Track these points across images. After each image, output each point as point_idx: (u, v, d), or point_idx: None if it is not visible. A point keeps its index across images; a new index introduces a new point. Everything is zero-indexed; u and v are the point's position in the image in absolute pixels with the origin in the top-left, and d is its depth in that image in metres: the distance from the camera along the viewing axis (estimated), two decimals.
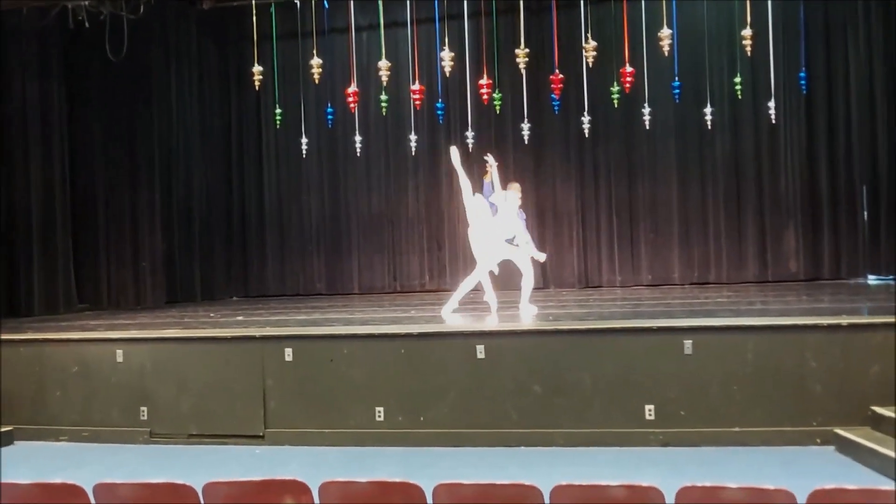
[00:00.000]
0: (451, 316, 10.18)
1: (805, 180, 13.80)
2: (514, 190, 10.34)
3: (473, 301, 10.96)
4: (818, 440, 7.77)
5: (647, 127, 12.69)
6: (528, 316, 9.96)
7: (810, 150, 13.79)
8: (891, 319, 8.14)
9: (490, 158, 10.27)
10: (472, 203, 10.28)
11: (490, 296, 10.43)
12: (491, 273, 10.51)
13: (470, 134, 13.13)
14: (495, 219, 10.17)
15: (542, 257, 10.53)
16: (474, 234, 10.30)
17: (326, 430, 8.61)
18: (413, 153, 13.85)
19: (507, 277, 11.01)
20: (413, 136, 13.47)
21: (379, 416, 8.54)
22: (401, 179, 15.20)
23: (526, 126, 12.89)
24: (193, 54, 14.94)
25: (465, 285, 10.50)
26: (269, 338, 8.96)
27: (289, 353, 8.77)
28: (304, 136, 13.70)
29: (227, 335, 9.19)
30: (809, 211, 13.78)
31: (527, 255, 10.30)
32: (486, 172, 10.32)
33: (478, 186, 10.50)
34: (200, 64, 15.08)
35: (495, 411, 8.34)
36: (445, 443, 8.30)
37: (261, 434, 8.77)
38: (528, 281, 10.34)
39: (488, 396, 8.38)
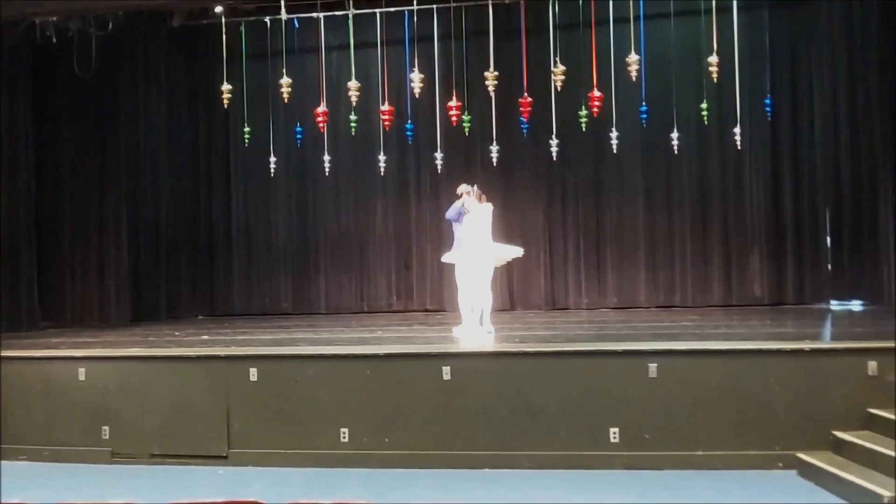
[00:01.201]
0: (488, 336, 10.02)
1: (770, 205, 13.94)
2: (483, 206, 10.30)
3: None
4: (780, 464, 7.83)
5: (615, 151, 12.78)
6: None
7: (775, 175, 13.95)
8: (853, 345, 8.25)
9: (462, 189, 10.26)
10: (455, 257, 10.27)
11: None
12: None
13: (438, 155, 13.17)
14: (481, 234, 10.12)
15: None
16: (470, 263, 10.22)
17: (291, 451, 8.55)
18: (382, 173, 13.86)
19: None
20: (382, 157, 13.51)
21: (344, 437, 8.50)
22: (369, 199, 15.18)
23: (494, 148, 12.95)
24: (162, 72, 14.88)
25: (484, 303, 10.25)
26: (233, 357, 8.91)
27: (254, 373, 8.72)
28: (272, 154, 13.67)
29: (192, 354, 9.12)
30: (774, 235, 13.92)
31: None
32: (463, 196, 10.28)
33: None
34: (169, 81, 15.02)
35: (461, 433, 8.33)
36: (411, 464, 8.27)
37: (224, 455, 8.69)
38: (464, 297, 10.22)
39: (454, 418, 8.37)
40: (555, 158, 13.06)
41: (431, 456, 8.28)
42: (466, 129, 12.99)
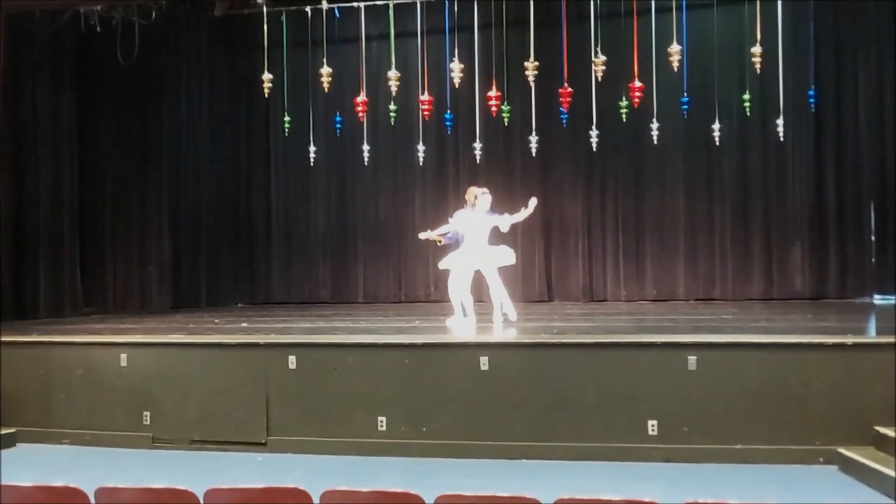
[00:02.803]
0: (515, 323, 10.23)
1: (812, 198, 13.76)
2: (485, 194, 10.43)
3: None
4: (821, 459, 7.75)
5: (655, 142, 12.67)
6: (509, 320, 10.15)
7: (818, 167, 13.77)
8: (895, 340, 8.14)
9: (423, 236, 10.75)
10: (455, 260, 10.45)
11: (460, 316, 10.45)
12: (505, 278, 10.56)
13: (478, 145, 13.14)
14: (468, 240, 10.31)
15: (533, 202, 10.50)
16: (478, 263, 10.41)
17: (329, 439, 8.61)
18: (421, 163, 13.87)
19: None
20: (421, 147, 13.50)
21: (381, 426, 8.54)
22: (408, 189, 15.20)
23: (534, 138, 12.89)
24: (204, 61, 14.98)
25: (500, 293, 10.47)
26: (272, 345, 8.98)
27: (292, 361, 8.78)
28: (312, 144, 13.72)
29: (231, 342, 9.20)
30: (816, 229, 13.74)
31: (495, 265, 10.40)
32: (437, 241, 10.54)
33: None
34: (211, 70, 15.13)
35: (498, 423, 8.34)
36: (447, 454, 8.30)
37: (263, 441, 8.77)
38: (498, 293, 10.42)
39: (491, 408, 8.38)
40: (595, 149, 12.97)
41: (468, 446, 8.31)
42: (506, 120, 12.96)
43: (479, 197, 10.35)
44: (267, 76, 12.57)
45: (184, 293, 14.45)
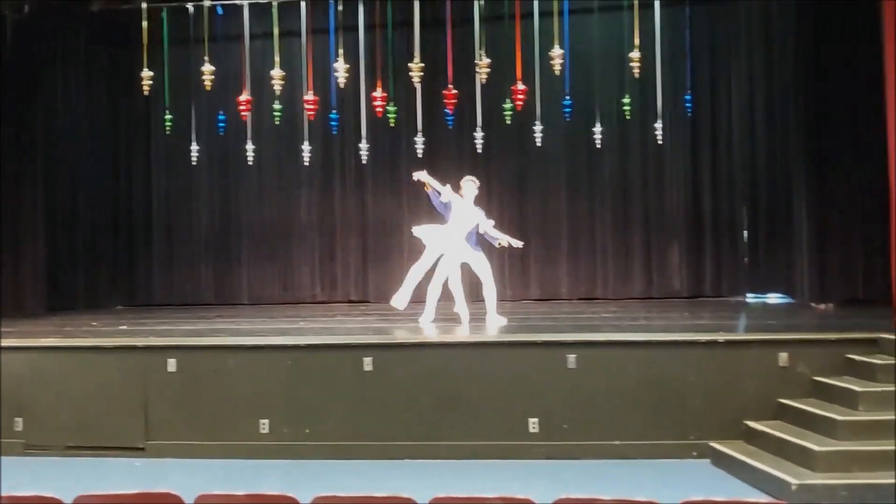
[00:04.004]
0: (430, 326, 10.24)
1: (689, 200, 14.16)
2: (469, 181, 10.48)
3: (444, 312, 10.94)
4: (694, 453, 8.02)
5: (539, 144, 12.87)
6: (495, 327, 10.10)
7: (695, 170, 14.18)
8: (765, 337, 8.48)
9: (418, 175, 10.44)
10: (428, 236, 10.45)
11: (461, 307, 10.45)
12: (466, 277, 10.59)
13: (364, 146, 13.13)
14: (450, 220, 10.27)
15: (518, 243, 10.68)
16: (444, 251, 10.34)
17: (210, 443, 8.51)
18: (306, 163, 13.76)
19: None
20: (306, 147, 13.40)
21: (264, 429, 8.48)
22: (293, 189, 15.06)
23: (420, 140, 12.95)
24: (81, 57, 14.54)
25: (434, 291, 10.50)
26: (151, 348, 8.82)
27: (172, 364, 8.64)
28: (194, 142, 13.48)
29: (109, 344, 9.00)
30: (693, 230, 14.15)
31: (486, 262, 10.49)
32: (425, 186, 10.38)
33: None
34: (88, 67, 14.69)
35: (381, 424, 8.37)
36: (331, 455, 8.30)
37: (141, 446, 8.61)
38: (490, 289, 10.46)
39: (375, 409, 8.41)
40: (480, 151, 13.10)
41: (351, 447, 8.32)
42: (392, 120, 12.98)
43: (464, 184, 10.30)
44: (147, 73, 12.27)
45: (60, 295, 13.98)
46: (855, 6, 11.22)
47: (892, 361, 7.77)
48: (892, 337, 8.06)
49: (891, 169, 9.72)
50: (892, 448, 6.94)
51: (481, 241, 10.70)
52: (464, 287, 10.64)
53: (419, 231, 10.48)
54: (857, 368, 7.93)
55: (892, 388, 7.48)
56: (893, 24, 9.62)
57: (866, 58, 11.07)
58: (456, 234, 10.22)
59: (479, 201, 14.50)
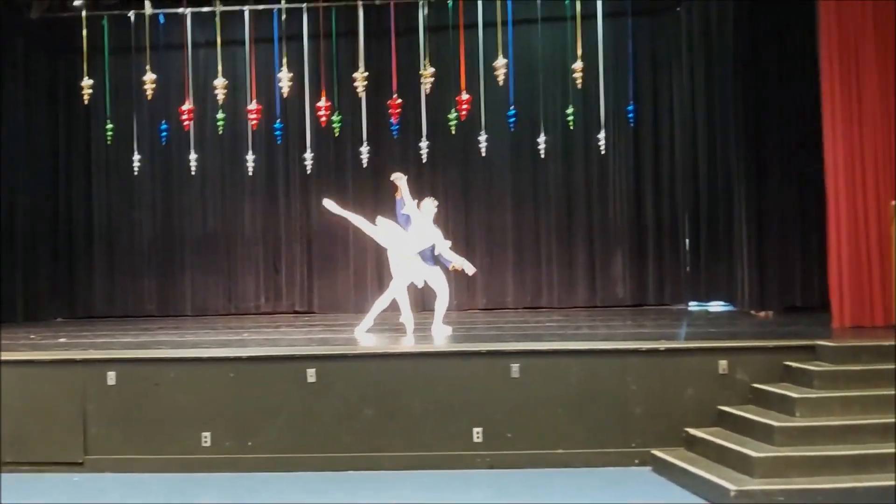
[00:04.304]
0: (365, 336, 10.19)
1: (632, 209, 14.31)
2: (429, 201, 10.37)
3: (388, 321, 10.86)
4: (636, 461, 8.08)
5: (484, 154, 12.93)
6: (440, 336, 10.08)
7: (637, 180, 14.33)
8: (705, 345, 8.58)
9: (396, 176, 10.21)
10: (378, 231, 10.26)
11: (407, 316, 10.38)
12: (413, 287, 10.48)
13: (308, 155, 13.10)
14: (409, 232, 10.13)
15: (471, 269, 10.41)
16: (392, 253, 10.29)
17: (151, 457, 8.39)
18: (250, 173, 13.67)
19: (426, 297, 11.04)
20: (250, 156, 13.32)
21: (206, 442, 8.38)
22: (237, 199, 14.93)
23: (365, 149, 12.94)
24: (20, 64, 14.29)
25: (380, 303, 10.46)
26: (90, 361, 8.66)
27: (111, 377, 8.50)
28: (136, 152, 13.33)
29: (46, 358, 8.83)
30: (636, 239, 14.29)
31: (441, 276, 10.38)
32: (396, 189, 10.27)
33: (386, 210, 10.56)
34: (27, 75, 14.43)
35: (325, 436, 8.33)
36: (274, 468, 8.23)
37: (80, 461, 8.45)
38: (442, 301, 10.42)
39: (318, 421, 8.36)
40: (425, 160, 13.12)
41: (294, 459, 8.26)
42: (337, 130, 12.95)
43: (423, 204, 10.18)
44: (87, 82, 12.15)
45: None
46: (790, 7, 11.41)
47: (829, 368, 7.91)
48: (829, 344, 8.20)
49: (828, 175, 9.94)
50: (829, 454, 7.06)
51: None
52: (410, 296, 10.59)
53: (382, 221, 10.35)
54: (794, 375, 8.04)
55: (829, 394, 7.62)
56: (829, 24, 9.85)
57: (803, 61, 11.32)
58: (412, 246, 10.16)
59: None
